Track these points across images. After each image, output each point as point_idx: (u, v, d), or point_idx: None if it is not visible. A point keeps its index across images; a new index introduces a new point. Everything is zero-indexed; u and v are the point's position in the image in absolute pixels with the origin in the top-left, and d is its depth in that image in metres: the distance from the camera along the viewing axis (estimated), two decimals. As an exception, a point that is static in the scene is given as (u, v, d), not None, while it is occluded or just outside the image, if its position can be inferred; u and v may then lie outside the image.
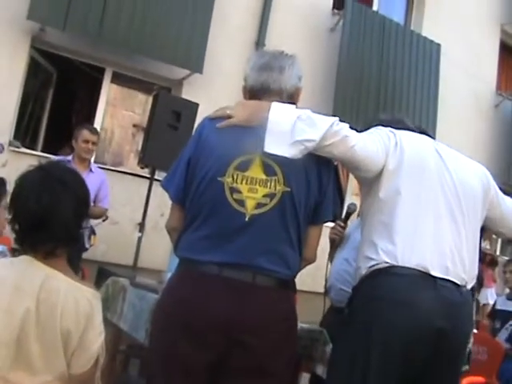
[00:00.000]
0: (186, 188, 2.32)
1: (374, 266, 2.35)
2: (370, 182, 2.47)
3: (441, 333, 2.28)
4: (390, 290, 2.30)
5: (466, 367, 2.85)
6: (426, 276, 2.31)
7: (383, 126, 2.55)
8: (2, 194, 2.76)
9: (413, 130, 2.64)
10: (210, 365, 2.18)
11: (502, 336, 5.46)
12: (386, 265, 2.32)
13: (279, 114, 2.21)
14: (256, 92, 2.39)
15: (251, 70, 2.43)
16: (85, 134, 5.79)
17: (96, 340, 1.98)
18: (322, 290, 3.28)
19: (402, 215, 2.36)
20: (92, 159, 6.12)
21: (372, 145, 2.37)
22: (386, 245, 2.34)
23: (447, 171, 2.47)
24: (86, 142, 5.75)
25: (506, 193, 2.72)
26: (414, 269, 2.31)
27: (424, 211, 2.39)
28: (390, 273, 2.32)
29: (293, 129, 2.17)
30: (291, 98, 2.41)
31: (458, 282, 2.38)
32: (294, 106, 2.29)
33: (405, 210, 2.37)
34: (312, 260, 2.43)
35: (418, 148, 2.49)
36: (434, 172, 2.45)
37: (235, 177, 2.24)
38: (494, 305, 6.40)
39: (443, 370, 2.38)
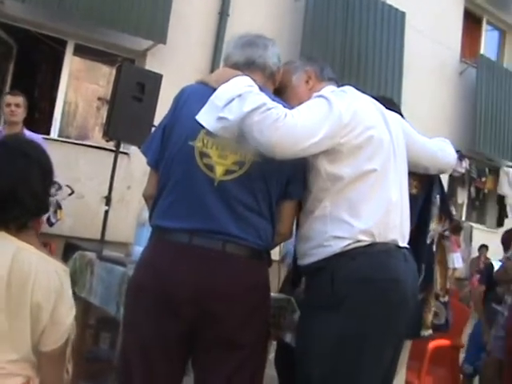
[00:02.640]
0: (161, 153, 2.31)
1: (349, 244, 2.27)
2: (321, 164, 2.30)
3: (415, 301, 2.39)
4: (378, 269, 2.27)
5: (430, 331, 2.89)
6: (398, 249, 2.33)
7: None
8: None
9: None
10: (183, 335, 2.19)
11: None
12: (365, 243, 2.27)
13: (229, 87, 2.18)
14: (239, 67, 2.36)
15: (234, 48, 2.41)
16: (6, 98, 5.80)
17: (68, 314, 1.98)
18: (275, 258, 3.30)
19: (372, 192, 2.31)
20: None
21: (309, 122, 2.17)
22: (361, 224, 2.28)
23: (396, 140, 2.42)
24: (9, 105, 5.69)
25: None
26: (390, 243, 2.31)
27: (390, 186, 2.35)
28: (373, 251, 2.27)
29: (225, 104, 2.13)
30: (272, 77, 2.42)
31: (407, 246, 2.43)
32: (257, 86, 2.22)
33: (375, 187, 2.31)
34: (287, 235, 2.41)
35: (371, 117, 2.37)
36: (388, 143, 2.38)
37: (205, 141, 2.23)
38: (490, 276, 5.70)
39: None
